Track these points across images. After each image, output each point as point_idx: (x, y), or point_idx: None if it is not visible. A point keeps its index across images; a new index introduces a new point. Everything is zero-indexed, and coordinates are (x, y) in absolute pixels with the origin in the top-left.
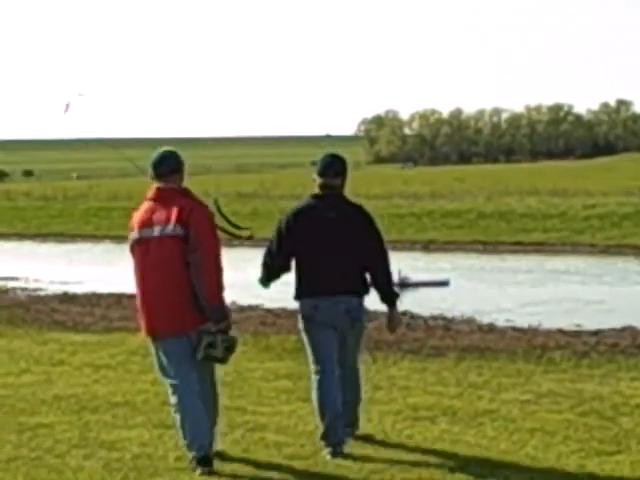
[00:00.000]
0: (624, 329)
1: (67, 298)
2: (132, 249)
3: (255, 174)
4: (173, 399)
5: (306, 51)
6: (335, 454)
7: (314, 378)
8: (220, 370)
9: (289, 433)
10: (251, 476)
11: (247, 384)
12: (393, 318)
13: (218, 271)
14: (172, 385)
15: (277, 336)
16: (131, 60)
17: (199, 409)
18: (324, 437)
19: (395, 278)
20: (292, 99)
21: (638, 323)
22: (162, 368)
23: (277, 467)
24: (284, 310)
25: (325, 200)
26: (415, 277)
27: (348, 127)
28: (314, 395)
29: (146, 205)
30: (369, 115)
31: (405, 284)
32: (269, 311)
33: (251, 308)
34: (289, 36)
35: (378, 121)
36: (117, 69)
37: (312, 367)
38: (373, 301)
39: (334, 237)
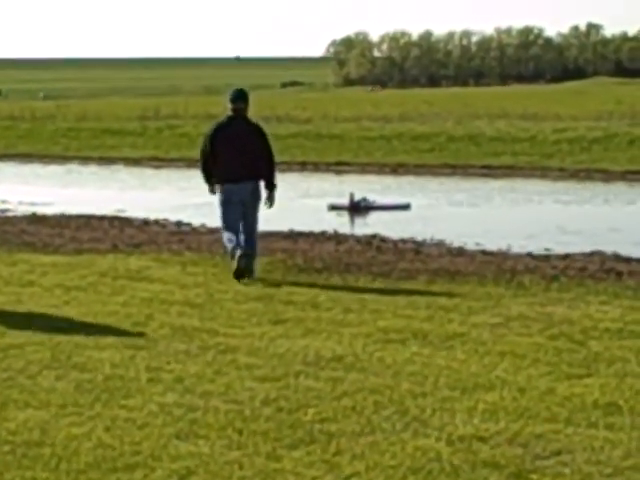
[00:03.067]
0: (592, 253)
1: (36, 219)
2: None
3: (224, 95)
4: None
5: None
6: (240, 276)
7: (226, 235)
8: (191, 292)
9: (260, 355)
10: (223, 398)
11: (218, 306)
12: (270, 197)
13: None
14: None
15: None
16: None
17: None
18: (239, 273)
19: (345, 202)
20: (259, 20)
21: (606, 247)
22: None
23: (248, 389)
24: None
25: (235, 119)
26: (374, 200)
27: (317, 48)
28: (228, 244)
29: None
30: (338, 36)
31: (359, 207)
32: None
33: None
34: None
35: (347, 43)
36: None
37: (223, 227)
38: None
39: (242, 144)
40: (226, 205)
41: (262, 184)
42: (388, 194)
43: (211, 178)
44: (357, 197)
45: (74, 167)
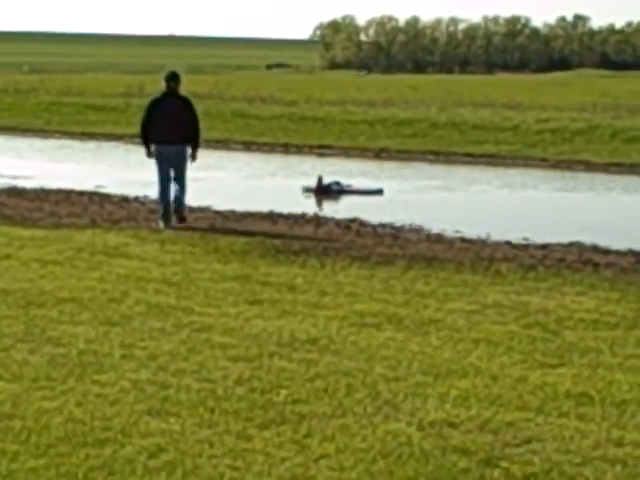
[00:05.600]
0: (571, 244)
1: (16, 192)
2: None
3: (210, 75)
4: None
5: None
6: (166, 225)
7: (159, 184)
8: (168, 270)
9: (235, 335)
10: (196, 377)
11: (194, 285)
12: (194, 154)
13: None
14: None
15: (225, 238)
16: None
17: None
18: (162, 216)
19: (309, 183)
20: (244, 0)
21: (585, 238)
22: None
23: (222, 368)
24: (233, 213)
25: (169, 95)
26: (350, 184)
27: (304, 31)
28: (158, 192)
29: None
30: (325, 20)
31: (330, 191)
32: (218, 213)
33: (201, 210)
34: None
35: (334, 26)
36: None
37: (158, 179)
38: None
39: (173, 114)
40: (159, 160)
41: (188, 147)
42: (371, 178)
43: (148, 143)
44: (330, 180)
45: (56, 141)
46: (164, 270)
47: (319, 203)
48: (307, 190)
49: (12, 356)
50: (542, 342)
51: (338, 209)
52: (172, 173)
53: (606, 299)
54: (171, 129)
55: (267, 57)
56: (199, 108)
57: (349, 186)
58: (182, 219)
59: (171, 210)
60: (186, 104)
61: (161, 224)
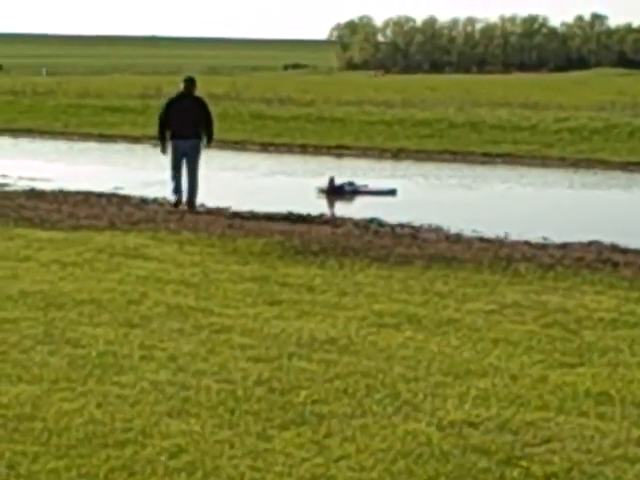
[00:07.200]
0: (590, 243)
1: (34, 194)
2: None
3: (227, 76)
4: None
5: None
6: (177, 200)
7: (172, 174)
8: (186, 271)
9: (254, 336)
10: (216, 377)
11: (213, 286)
12: (208, 146)
13: None
14: None
15: (244, 239)
16: None
17: None
18: (174, 191)
19: (324, 184)
20: (262, 1)
21: (604, 238)
22: None
23: (241, 369)
24: (252, 213)
25: (185, 95)
26: (366, 184)
27: (321, 31)
28: (171, 182)
29: None
30: (343, 20)
31: (343, 191)
32: (236, 214)
33: (219, 211)
34: None
35: (351, 27)
36: None
37: (171, 169)
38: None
39: (188, 112)
40: (174, 154)
41: (203, 141)
42: (387, 178)
43: (164, 140)
44: (343, 180)
45: (75, 144)
46: (183, 271)
47: (330, 204)
48: (321, 191)
49: (32, 358)
50: (561, 342)
51: (350, 210)
52: (185, 166)
53: (625, 298)
54: (186, 125)
55: (284, 58)
56: (216, 109)
57: (365, 186)
58: (192, 207)
59: (182, 188)
60: (200, 103)
61: (172, 198)
